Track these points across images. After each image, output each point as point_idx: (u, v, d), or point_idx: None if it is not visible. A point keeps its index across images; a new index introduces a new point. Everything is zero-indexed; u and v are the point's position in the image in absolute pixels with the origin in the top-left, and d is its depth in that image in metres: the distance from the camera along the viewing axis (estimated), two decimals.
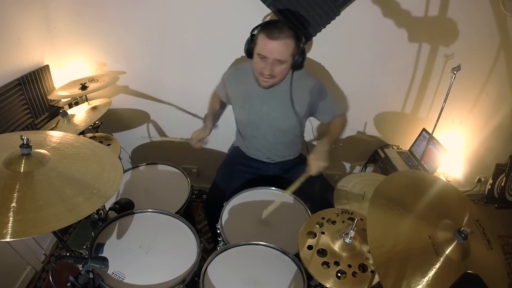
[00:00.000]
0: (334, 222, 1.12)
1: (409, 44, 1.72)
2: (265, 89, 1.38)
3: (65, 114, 1.57)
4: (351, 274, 0.96)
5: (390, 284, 0.75)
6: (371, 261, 0.98)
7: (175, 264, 1.07)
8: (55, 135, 1.08)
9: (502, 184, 2.25)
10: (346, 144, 2.13)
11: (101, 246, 1.10)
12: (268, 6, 1.58)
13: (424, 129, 1.92)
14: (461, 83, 1.68)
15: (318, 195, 1.53)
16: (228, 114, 1.67)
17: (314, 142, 2.03)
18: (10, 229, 0.74)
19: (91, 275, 0.89)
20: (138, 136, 2.17)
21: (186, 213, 1.41)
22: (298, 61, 1.31)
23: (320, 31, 1.65)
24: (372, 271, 0.97)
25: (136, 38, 1.77)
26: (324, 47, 1.72)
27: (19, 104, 1.57)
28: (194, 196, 2.03)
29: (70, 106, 1.85)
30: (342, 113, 1.54)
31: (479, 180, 2.36)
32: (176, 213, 1.29)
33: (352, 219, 1.08)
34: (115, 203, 1.24)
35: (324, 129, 1.54)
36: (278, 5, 1.57)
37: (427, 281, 0.75)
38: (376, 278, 0.91)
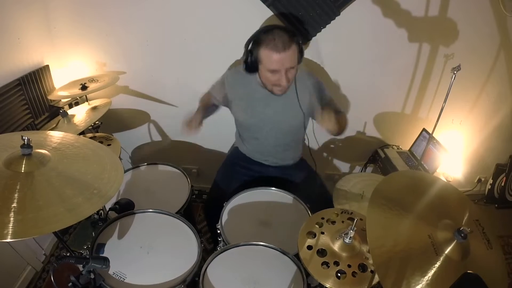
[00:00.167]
0: (333, 222, 1.12)
1: (409, 44, 1.72)
2: (277, 95, 1.36)
3: (65, 114, 1.57)
4: (350, 274, 0.96)
5: (390, 284, 0.75)
6: (370, 261, 0.98)
7: (176, 264, 1.07)
8: (56, 135, 1.08)
9: (502, 184, 2.25)
10: (346, 144, 2.13)
11: (102, 246, 1.10)
12: (268, 6, 1.58)
13: (424, 129, 1.93)
14: (461, 83, 1.68)
15: (318, 195, 1.53)
16: (228, 114, 1.67)
17: (316, 146, 2.03)
18: (10, 230, 0.74)
19: (92, 275, 0.89)
20: (138, 136, 2.17)
21: (186, 213, 1.41)
22: (299, 58, 1.31)
23: (320, 31, 1.65)
24: (371, 271, 0.97)
25: (136, 38, 1.77)
26: (324, 47, 1.72)
27: (19, 104, 1.57)
28: (194, 196, 2.03)
29: (70, 106, 1.85)
30: (343, 112, 1.52)
31: (479, 180, 2.36)
32: (176, 213, 1.29)
33: (352, 219, 1.08)
34: (116, 203, 1.24)
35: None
36: (278, 5, 1.57)
37: (427, 281, 0.75)
38: (376, 278, 0.92)
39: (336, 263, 0.98)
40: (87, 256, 0.89)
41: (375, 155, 2.09)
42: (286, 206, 1.39)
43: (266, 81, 1.33)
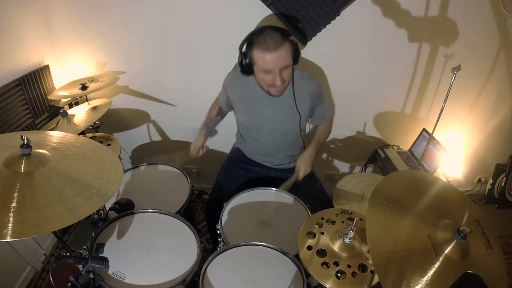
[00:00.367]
0: (333, 222, 1.12)
1: (409, 44, 1.72)
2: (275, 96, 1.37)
3: (65, 114, 1.57)
4: (350, 274, 0.96)
5: (390, 284, 0.75)
6: (370, 261, 0.98)
7: (176, 264, 1.07)
8: (55, 135, 1.08)
9: (502, 184, 2.25)
10: (346, 144, 2.13)
11: (101, 246, 1.10)
12: (268, 6, 1.58)
13: (424, 129, 1.93)
14: (461, 83, 1.68)
15: (318, 195, 1.53)
16: (229, 114, 1.67)
17: None
18: (10, 229, 0.74)
19: (91, 275, 0.89)
20: (138, 136, 2.17)
21: (186, 213, 1.41)
22: (295, 58, 1.31)
23: (320, 31, 1.65)
24: (371, 271, 0.97)
25: (136, 38, 1.77)
26: (324, 47, 1.72)
27: (19, 104, 1.57)
28: (194, 196, 2.03)
29: (70, 106, 1.85)
30: (331, 118, 1.59)
31: (479, 180, 2.36)
32: (176, 213, 1.29)
33: (352, 219, 1.08)
34: (115, 203, 1.24)
35: (311, 132, 1.58)
36: (278, 5, 1.57)
37: (427, 281, 0.75)
38: (376, 278, 0.92)
39: (336, 263, 0.98)
40: (87, 256, 0.89)
41: (375, 155, 2.09)
42: (286, 206, 1.39)
43: (261, 82, 1.33)
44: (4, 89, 1.46)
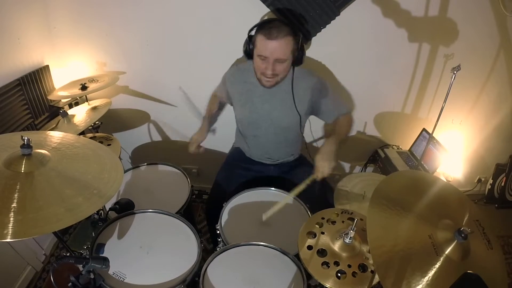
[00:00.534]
0: (334, 222, 1.12)
1: (409, 44, 1.72)
2: (266, 88, 1.38)
3: (65, 114, 1.57)
4: (351, 274, 0.96)
5: (390, 284, 0.75)
6: (371, 261, 0.98)
7: (176, 264, 1.07)
8: (55, 135, 1.08)
9: (502, 184, 2.25)
10: (346, 144, 2.13)
11: (101, 246, 1.10)
12: (268, 6, 1.58)
13: (424, 129, 1.93)
14: (461, 83, 1.68)
15: (318, 195, 1.53)
16: (228, 114, 1.67)
17: (314, 144, 2.04)
18: (10, 230, 0.74)
19: (92, 275, 0.89)
20: (138, 136, 2.17)
21: (186, 213, 1.41)
22: (298, 57, 1.32)
23: (320, 31, 1.65)
24: (372, 271, 0.97)
25: (136, 38, 1.77)
26: (324, 47, 1.72)
27: (19, 104, 1.57)
28: (194, 196, 2.03)
29: (70, 106, 1.85)
30: (347, 112, 1.52)
31: (479, 180, 2.36)
32: (176, 213, 1.29)
33: (352, 219, 1.08)
34: (116, 203, 1.24)
35: (330, 129, 1.54)
36: (278, 5, 1.57)
37: (427, 281, 0.75)
38: (376, 278, 0.92)
39: (336, 263, 0.98)
40: (87, 256, 0.89)
41: (375, 155, 2.09)
42: (286, 206, 1.39)
43: (256, 68, 1.35)
44: (4, 89, 1.46)
